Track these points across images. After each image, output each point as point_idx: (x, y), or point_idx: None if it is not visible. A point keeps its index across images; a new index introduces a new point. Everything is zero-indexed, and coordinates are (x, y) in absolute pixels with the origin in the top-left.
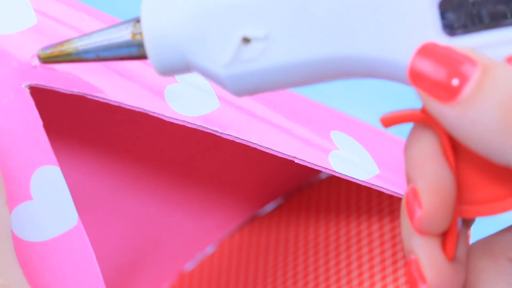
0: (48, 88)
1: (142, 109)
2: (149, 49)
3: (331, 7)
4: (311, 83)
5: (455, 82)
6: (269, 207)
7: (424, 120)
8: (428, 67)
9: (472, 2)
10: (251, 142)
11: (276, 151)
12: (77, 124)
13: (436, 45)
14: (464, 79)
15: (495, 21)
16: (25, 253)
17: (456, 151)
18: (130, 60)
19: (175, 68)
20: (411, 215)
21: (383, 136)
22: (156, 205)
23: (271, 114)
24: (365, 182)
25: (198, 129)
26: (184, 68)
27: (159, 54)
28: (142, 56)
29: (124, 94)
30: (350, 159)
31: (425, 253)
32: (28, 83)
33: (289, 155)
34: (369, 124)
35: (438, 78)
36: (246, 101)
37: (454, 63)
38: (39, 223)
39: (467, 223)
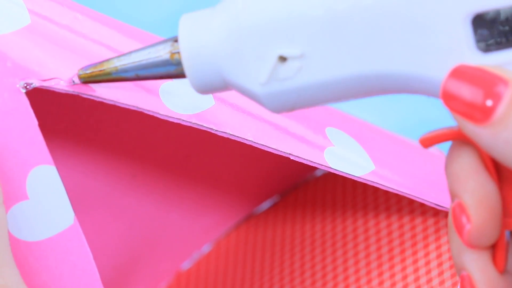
0: (43, 87)
1: (137, 107)
2: (187, 68)
3: (365, 25)
4: (347, 99)
5: (488, 103)
6: (265, 205)
7: (462, 138)
8: (460, 89)
9: (505, 19)
10: (246, 140)
11: (272, 148)
12: (72, 123)
13: (468, 67)
14: (497, 100)
15: None
16: (21, 252)
17: (497, 164)
18: (168, 78)
19: (213, 86)
20: (459, 229)
21: (378, 132)
22: (152, 204)
23: (266, 111)
24: (360, 178)
25: (193, 127)
26: (222, 86)
27: (197, 73)
28: (181, 75)
29: (119, 93)
30: (346, 155)
31: (477, 268)
32: (23, 82)
33: (284, 152)
34: (364, 120)
35: (471, 99)
36: (241, 99)
37: (487, 84)
38: (36, 222)
39: None
